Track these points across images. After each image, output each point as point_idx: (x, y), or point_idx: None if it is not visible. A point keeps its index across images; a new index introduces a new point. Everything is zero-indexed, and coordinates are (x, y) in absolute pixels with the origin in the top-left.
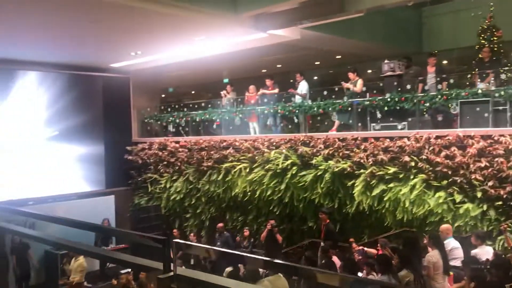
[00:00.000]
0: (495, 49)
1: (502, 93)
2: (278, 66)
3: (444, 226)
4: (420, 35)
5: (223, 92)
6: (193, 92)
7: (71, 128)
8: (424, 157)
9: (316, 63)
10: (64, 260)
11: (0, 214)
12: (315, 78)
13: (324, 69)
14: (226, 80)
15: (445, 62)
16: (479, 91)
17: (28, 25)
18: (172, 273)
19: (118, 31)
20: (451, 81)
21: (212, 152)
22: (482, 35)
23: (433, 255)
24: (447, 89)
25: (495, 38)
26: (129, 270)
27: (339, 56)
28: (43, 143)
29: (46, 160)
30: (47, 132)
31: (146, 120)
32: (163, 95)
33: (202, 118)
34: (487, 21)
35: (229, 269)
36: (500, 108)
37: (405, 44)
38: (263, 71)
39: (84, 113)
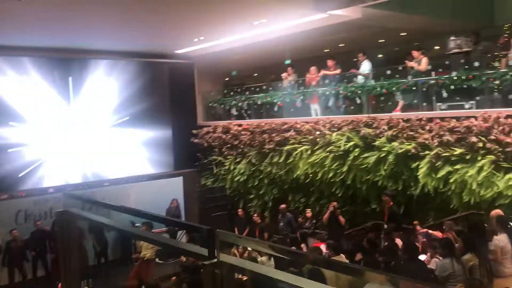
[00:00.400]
0: None
1: None
2: (340, 45)
3: None
4: (492, 6)
5: (284, 75)
6: (255, 74)
7: (140, 113)
8: (493, 137)
9: (380, 41)
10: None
11: (72, 201)
12: (379, 56)
13: (388, 47)
14: (287, 61)
15: None
16: None
17: (100, 16)
18: (215, 260)
19: (181, 18)
20: None
21: (273, 135)
22: None
23: (500, 239)
24: None
25: None
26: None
27: (404, 33)
28: (115, 129)
29: (118, 145)
30: (117, 118)
31: (210, 104)
32: (226, 79)
33: (264, 101)
34: None
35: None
36: None
37: (474, 17)
38: (325, 51)
39: (151, 99)
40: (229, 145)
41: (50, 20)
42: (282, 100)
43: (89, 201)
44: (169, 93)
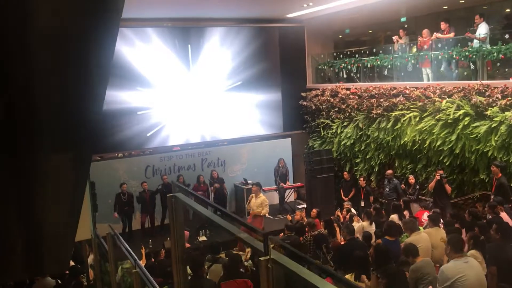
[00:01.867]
0: None
1: None
2: (461, 1)
3: None
4: None
5: (395, 37)
6: (369, 33)
7: (252, 77)
8: None
9: None
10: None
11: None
12: (500, 17)
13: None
14: (403, 19)
15: None
16: None
17: None
18: (268, 257)
19: None
20: None
21: (381, 100)
22: None
23: None
24: None
25: None
26: (304, 206)
27: None
28: (229, 93)
29: (232, 108)
30: (231, 82)
31: (320, 67)
32: (339, 37)
33: (373, 64)
34: None
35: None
36: None
37: None
38: (444, 7)
39: (263, 64)
40: (336, 109)
41: None
42: (392, 64)
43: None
44: (280, 57)
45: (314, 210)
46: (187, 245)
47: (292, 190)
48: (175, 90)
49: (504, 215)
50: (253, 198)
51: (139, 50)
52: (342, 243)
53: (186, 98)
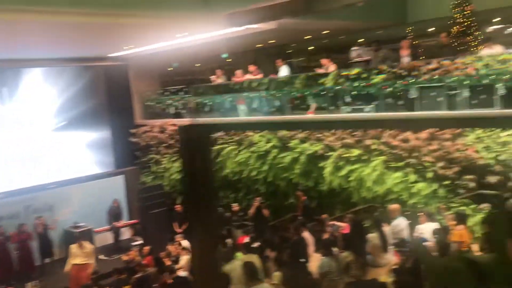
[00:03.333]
0: (466, 23)
1: (454, 78)
2: (270, 42)
3: (392, 206)
4: (405, 3)
5: (213, 77)
6: (198, 65)
7: (80, 116)
8: (383, 140)
9: (300, 45)
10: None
11: None
12: (298, 61)
13: (307, 51)
14: (225, 55)
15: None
16: (433, 77)
17: (30, 28)
18: None
19: (109, 35)
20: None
21: None
22: (456, 9)
23: (373, 236)
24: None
25: (467, 12)
26: (141, 242)
27: (324, 35)
28: (56, 133)
29: (60, 148)
30: (58, 122)
31: (147, 103)
32: (167, 71)
33: (196, 101)
34: None
35: None
36: (453, 92)
37: (388, 15)
38: (258, 45)
39: (90, 101)
40: (165, 144)
41: None
42: (212, 101)
43: None
44: (107, 95)
45: (146, 248)
46: None
47: (128, 227)
48: None
49: (306, 235)
50: (76, 248)
51: None
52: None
53: (5, 142)
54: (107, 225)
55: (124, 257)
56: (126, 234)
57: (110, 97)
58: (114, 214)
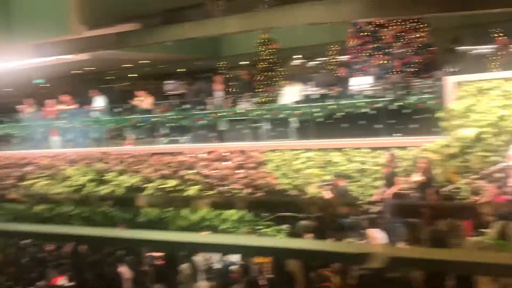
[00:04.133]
0: (271, 60)
1: (257, 112)
2: (88, 69)
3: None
4: (220, 39)
5: (21, 107)
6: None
7: None
8: (197, 170)
9: (122, 74)
10: None
11: None
12: (118, 91)
13: (127, 81)
14: (39, 81)
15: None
16: (239, 111)
17: None
18: None
19: None
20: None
21: (13, 170)
22: (261, 47)
23: (185, 266)
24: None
25: (272, 50)
26: None
27: (145, 64)
28: None
29: None
30: None
31: None
32: None
33: (3, 133)
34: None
35: None
36: (257, 124)
37: (204, 50)
38: (74, 72)
39: None
40: None
41: None
42: (22, 132)
43: None
44: None
45: None
46: None
47: None
48: None
49: (123, 269)
50: None
51: None
52: None
53: None
54: None
55: None
56: None
57: None
58: None
